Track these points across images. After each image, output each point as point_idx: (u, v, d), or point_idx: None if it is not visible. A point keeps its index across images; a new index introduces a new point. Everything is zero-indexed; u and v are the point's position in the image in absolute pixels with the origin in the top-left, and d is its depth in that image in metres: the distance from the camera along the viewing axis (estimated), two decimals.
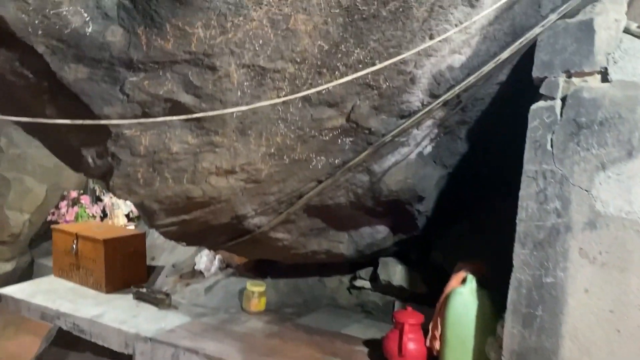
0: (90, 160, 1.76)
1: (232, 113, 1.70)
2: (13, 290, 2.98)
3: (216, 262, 3.09)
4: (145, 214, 2.08)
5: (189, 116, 1.56)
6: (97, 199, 4.67)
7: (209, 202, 2.05)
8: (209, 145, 1.82)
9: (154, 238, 3.49)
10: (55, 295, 2.92)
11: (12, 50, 1.41)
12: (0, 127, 4.12)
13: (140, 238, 3.20)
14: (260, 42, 1.52)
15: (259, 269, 3.08)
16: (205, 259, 3.09)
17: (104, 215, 4.46)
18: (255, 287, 2.73)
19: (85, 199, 4.44)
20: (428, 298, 2.56)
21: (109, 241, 2.98)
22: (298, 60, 1.62)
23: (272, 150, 1.93)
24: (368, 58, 1.69)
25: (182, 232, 2.29)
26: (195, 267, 3.12)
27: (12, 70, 1.47)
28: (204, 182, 1.95)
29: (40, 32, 1.35)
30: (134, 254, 3.12)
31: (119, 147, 1.69)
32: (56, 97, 1.55)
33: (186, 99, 1.61)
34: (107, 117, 1.55)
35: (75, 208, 4.38)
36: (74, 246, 3.08)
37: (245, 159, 1.92)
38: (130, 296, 2.89)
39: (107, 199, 4.52)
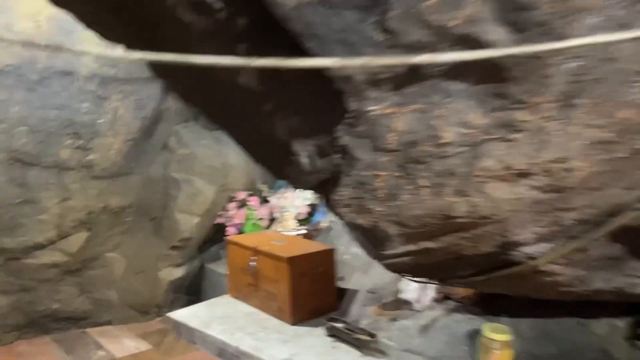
0: (305, 159, 1.05)
1: (561, 65, 0.87)
2: (186, 316, 2.53)
3: (429, 292, 2.30)
4: (370, 241, 1.34)
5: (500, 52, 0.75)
6: (264, 200, 4.20)
7: (475, 223, 1.25)
8: (503, 127, 1.01)
9: (340, 253, 2.82)
10: (233, 324, 2.41)
11: None
12: (170, 124, 3.82)
13: (329, 255, 2.53)
14: None
15: (490, 303, 2.24)
16: (414, 286, 2.32)
17: (272, 218, 3.98)
18: (497, 334, 1.92)
19: (253, 201, 4.00)
20: None
21: (295, 259, 2.36)
22: None
23: (609, 135, 1.06)
24: None
25: (416, 264, 1.52)
26: (400, 296, 2.37)
27: (189, 1, 0.80)
28: (476, 193, 1.15)
29: None
30: (322, 275, 2.48)
31: (357, 136, 0.95)
32: (256, 45, 0.85)
33: (496, 34, 0.82)
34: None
35: (244, 210, 3.95)
36: (253, 264, 2.51)
37: (556, 151, 1.07)
38: (321, 330, 2.28)
39: (275, 200, 4.03)
